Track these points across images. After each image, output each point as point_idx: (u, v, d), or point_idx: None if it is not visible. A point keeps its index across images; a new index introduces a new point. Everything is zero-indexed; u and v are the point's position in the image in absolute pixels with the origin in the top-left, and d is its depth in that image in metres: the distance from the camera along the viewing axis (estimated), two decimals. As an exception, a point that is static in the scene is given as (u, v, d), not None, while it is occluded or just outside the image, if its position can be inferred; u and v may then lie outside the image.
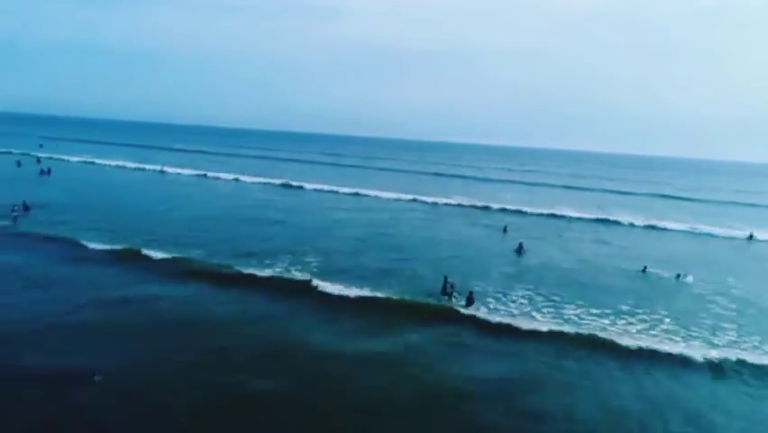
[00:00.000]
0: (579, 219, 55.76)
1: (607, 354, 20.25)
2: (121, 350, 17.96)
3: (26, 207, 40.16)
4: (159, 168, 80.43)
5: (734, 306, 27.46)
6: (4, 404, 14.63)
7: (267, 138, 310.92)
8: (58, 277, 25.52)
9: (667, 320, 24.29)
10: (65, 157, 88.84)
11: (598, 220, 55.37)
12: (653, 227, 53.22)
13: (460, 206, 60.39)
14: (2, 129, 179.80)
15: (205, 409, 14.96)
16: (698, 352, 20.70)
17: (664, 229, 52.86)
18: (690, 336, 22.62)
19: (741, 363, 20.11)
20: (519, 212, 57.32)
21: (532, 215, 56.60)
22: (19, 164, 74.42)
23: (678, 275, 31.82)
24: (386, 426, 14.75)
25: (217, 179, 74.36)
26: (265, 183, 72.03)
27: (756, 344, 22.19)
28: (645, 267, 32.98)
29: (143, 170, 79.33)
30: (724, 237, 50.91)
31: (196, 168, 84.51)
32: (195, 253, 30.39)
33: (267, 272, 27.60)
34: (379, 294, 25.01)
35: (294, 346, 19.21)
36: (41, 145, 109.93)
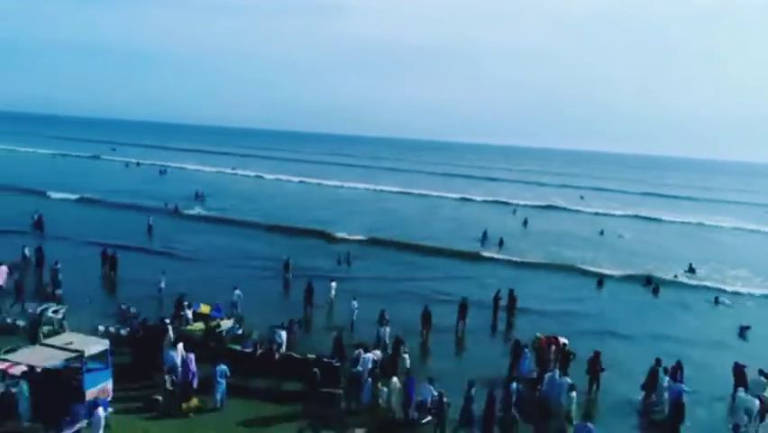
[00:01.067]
0: (565, 209, 76.77)
1: (567, 271, 40.68)
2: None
3: (200, 196, 61.19)
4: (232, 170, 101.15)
5: (653, 251, 48.42)
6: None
7: (278, 139, 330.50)
8: (263, 237, 45.92)
9: (605, 255, 45.22)
10: (133, 160, 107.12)
11: (576, 211, 76.50)
12: (623, 215, 74.04)
13: (472, 200, 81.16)
14: (6, 128, 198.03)
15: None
16: (611, 270, 41.13)
17: (627, 215, 73.65)
18: (613, 262, 43.29)
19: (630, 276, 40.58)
20: (524, 205, 77.98)
21: (532, 206, 77.42)
22: (127, 165, 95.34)
23: (619, 235, 53.11)
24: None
25: (277, 180, 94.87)
26: (317, 183, 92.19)
27: (650, 268, 42.68)
28: (602, 230, 54.30)
29: (209, 171, 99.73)
30: (678, 222, 71.51)
31: (243, 168, 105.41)
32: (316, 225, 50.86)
33: (380, 235, 48.39)
34: (443, 246, 45.55)
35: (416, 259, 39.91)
36: (113, 149, 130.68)
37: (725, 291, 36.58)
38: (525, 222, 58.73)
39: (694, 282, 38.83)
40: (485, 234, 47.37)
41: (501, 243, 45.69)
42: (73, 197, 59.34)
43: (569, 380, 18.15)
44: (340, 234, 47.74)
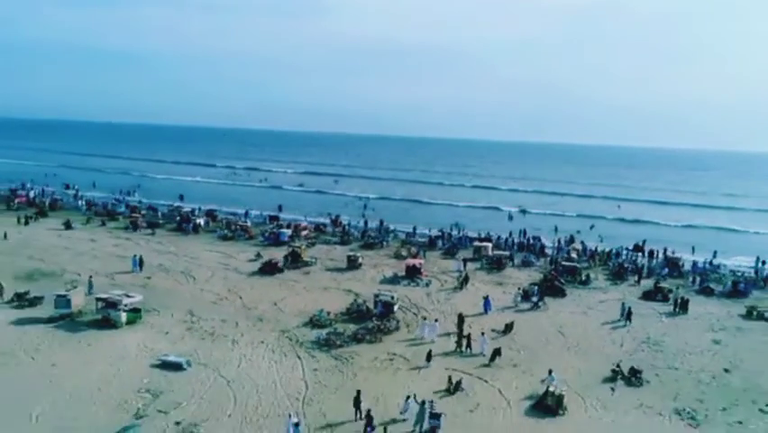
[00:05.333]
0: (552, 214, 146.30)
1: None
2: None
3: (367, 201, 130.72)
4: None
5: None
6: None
7: (291, 142, 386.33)
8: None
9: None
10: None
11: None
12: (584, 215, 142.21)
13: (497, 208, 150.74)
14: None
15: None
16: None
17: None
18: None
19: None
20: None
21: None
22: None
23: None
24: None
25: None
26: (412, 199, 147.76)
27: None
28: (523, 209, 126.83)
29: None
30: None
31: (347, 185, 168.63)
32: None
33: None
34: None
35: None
36: (238, 170, 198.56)
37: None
38: (524, 210, 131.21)
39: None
40: (509, 214, 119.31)
41: (511, 217, 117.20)
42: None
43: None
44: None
